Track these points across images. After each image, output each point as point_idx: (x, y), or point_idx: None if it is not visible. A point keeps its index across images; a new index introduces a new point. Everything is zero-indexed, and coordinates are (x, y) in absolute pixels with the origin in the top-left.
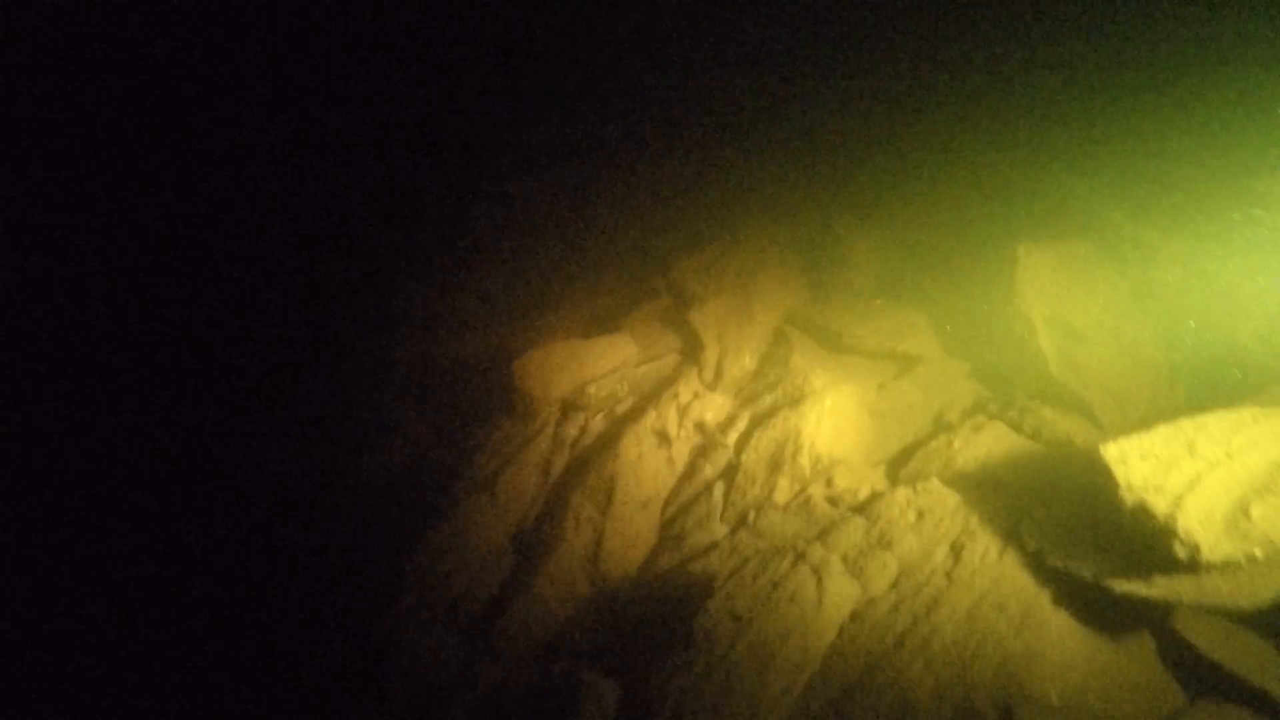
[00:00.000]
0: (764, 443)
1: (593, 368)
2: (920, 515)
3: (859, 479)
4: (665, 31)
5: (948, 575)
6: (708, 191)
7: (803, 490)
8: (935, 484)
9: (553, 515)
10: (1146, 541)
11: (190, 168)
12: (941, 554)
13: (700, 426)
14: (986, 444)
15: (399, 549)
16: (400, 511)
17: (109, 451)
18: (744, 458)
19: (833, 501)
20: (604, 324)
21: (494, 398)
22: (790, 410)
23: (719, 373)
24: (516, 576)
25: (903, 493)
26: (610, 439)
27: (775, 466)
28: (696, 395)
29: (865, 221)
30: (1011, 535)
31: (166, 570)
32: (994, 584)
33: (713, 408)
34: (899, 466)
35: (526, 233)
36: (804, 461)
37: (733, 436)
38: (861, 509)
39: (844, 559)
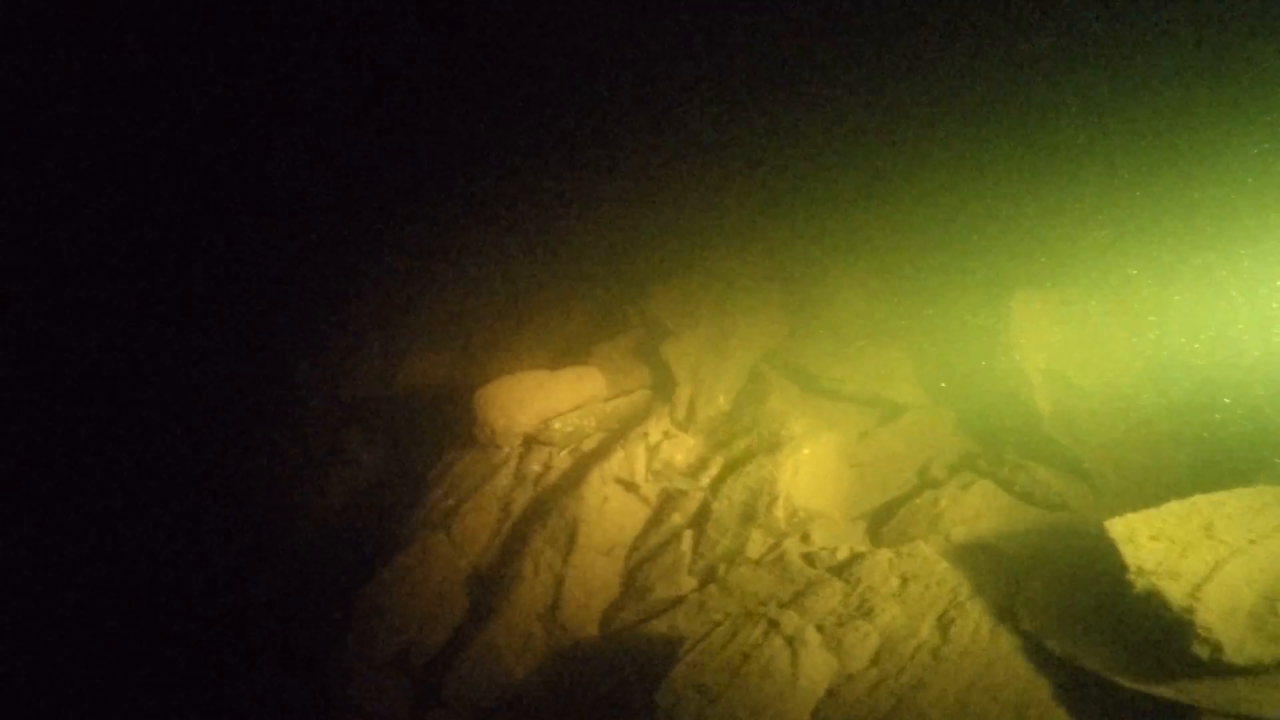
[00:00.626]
0: (737, 490)
1: (559, 401)
2: (904, 582)
3: (837, 536)
4: (646, 46)
5: (934, 653)
6: (686, 218)
7: (777, 545)
8: (921, 547)
9: (511, 558)
10: (1159, 633)
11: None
12: (928, 628)
13: (670, 469)
14: (975, 504)
15: (348, 586)
16: (352, 546)
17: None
18: (715, 505)
19: (809, 560)
20: (573, 353)
21: (455, 427)
22: (766, 457)
23: (691, 412)
24: (470, 622)
25: (885, 555)
26: (575, 479)
27: (748, 517)
28: (667, 435)
29: (851, 259)
30: (1005, 611)
31: (102, 605)
32: (986, 667)
33: (684, 449)
34: (881, 524)
35: (495, 245)
36: (779, 513)
37: (704, 481)
38: (840, 570)
39: (821, 628)
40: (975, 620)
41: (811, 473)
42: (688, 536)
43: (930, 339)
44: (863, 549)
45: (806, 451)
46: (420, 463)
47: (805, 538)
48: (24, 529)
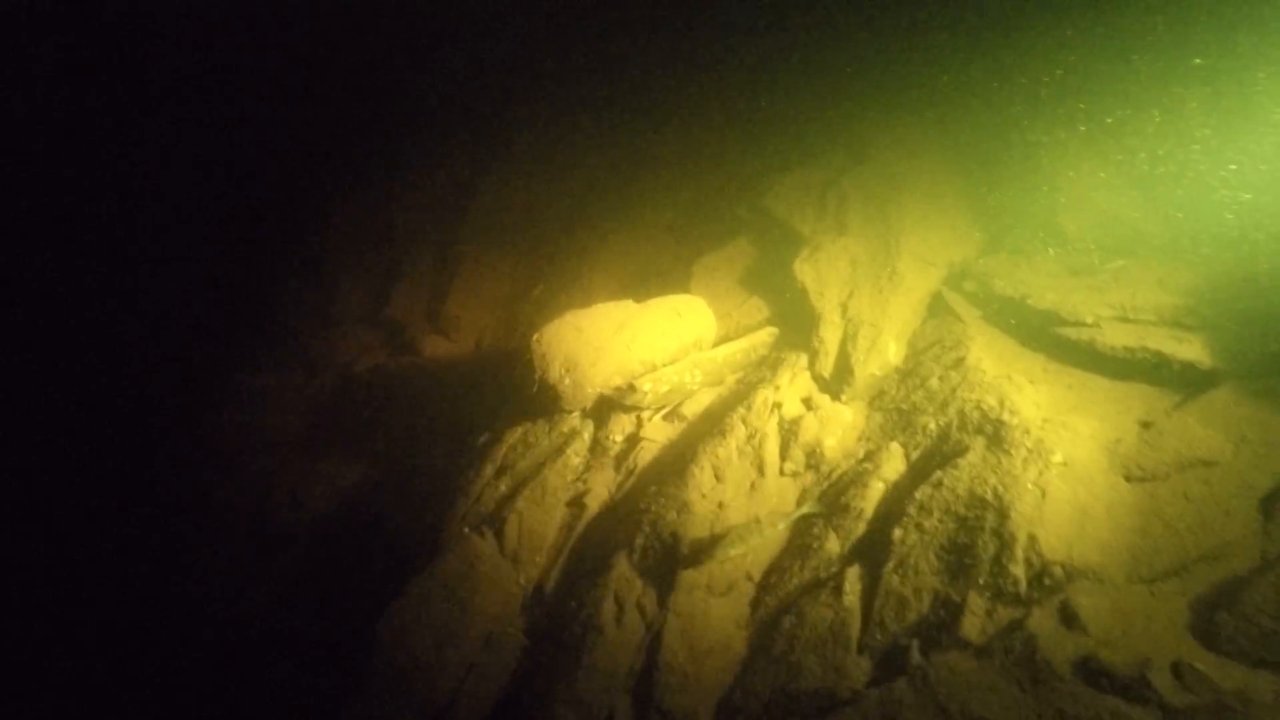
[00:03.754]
0: (937, 513)
1: (650, 346)
2: None
3: (1125, 620)
4: None
5: None
6: (822, 79)
7: (1018, 624)
8: None
9: (585, 586)
10: None
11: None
12: None
13: (816, 458)
14: None
15: (366, 612)
16: (369, 558)
17: None
18: (901, 535)
19: (1088, 669)
20: (662, 278)
21: (509, 381)
22: (984, 457)
23: (844, 366)
24: (529, 682)
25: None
26: (673, 467)
27: (961, 566)
28: (809, 403)
29: (1091, 119)
30: None
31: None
32: None
33: (836, 427)
34: (1210, 609)
35: (564, 126)
36: (1016, 565)
37: (875, 489)
38: (1150, 700)
39: None
40: None
41: (1068, 494)
42: (854, 582)
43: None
44: (1199, 664)
45: (1058, 459)
46: (451, 445)
47: (1066, 613)
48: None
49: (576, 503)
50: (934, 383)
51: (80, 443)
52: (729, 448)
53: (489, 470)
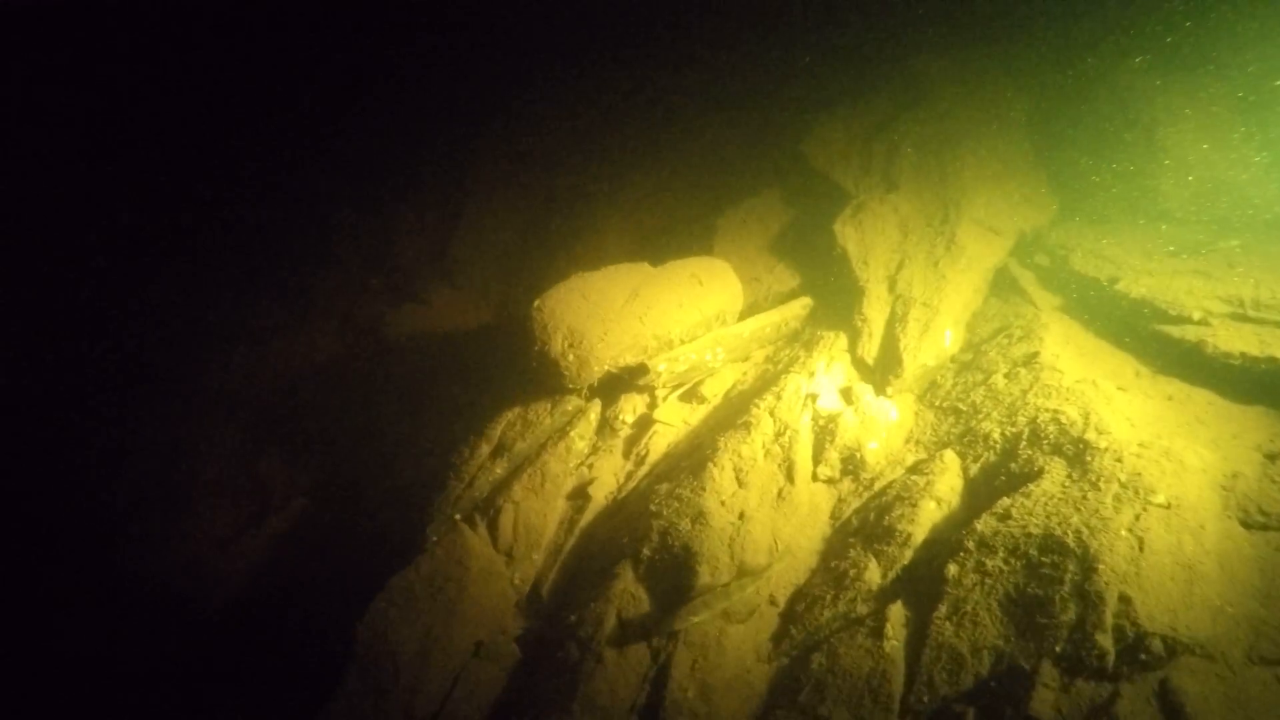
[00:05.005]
0: (1002, 551)
1: (663, 317)
2: None
3: (1243, 712)
4: None
5: None
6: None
7: (1106, 708)
8: None
9: (585, 593)
10: None
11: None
12: None
13: (855, 463)
14: None
15: (346, 612)
16: (358, 537)
17: None
18: (956, 574)
19: None
20: (682, 232)
21: (508, 350)
22: (1063, 486)
23: (892, 354)
24: (520, 705)
25: None
26: (688, 460)
27: (1031, 625)
28: (849, 396)
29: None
30: None
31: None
32: None
33: (880, 427)
34: None
35: (570, 57)
36: (1103, 635)
37: (926, 510)
38: None
39: None
40: None
41: (1171, 545)
42: (897, 624)
43: None
44: None
45: (1160, 499)
46: (470, 396)
47: (1167, 698)
48: None
49: (580, 493)
50: (999, 381)
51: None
52: (754, 445)
53: (484, 450)
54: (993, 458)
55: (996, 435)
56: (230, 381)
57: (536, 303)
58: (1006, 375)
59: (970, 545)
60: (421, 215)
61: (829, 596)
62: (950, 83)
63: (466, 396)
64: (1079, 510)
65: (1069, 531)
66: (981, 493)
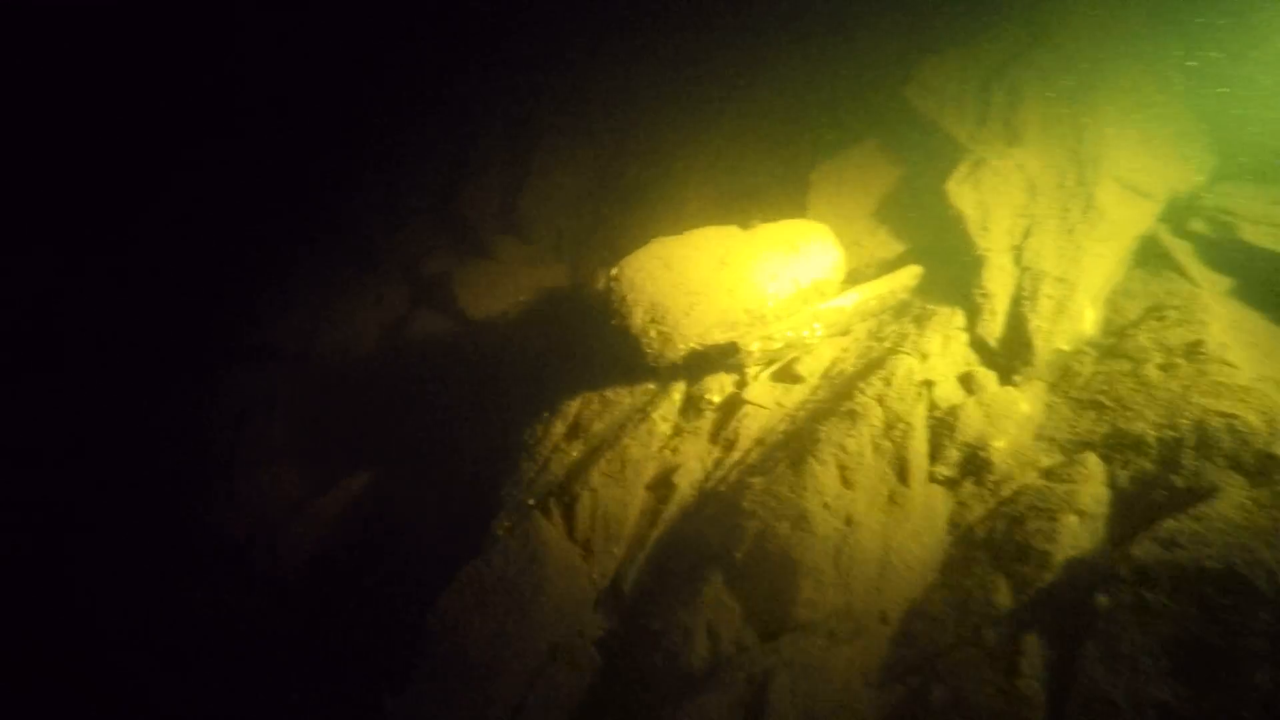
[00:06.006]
0: (1167, 585)
1: (755, 289)
2: None
3: None
4: None
5: None
6: None
7: None
8: None
9: (670, 597)
10: None
11: None
12: None
13: (978, 463)
14: None
15: (415, 588)
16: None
17: None
18: (1106, 605)
19: None
20: (772, 189)
21: (573, 334)
22: (1245, 511)
23: (1020, 336)
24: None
25: None
26: (784, 450)
27: (1212, 679)
28: (970, 384)
29: None
30: None
31: None
32: None
33: (1008, 422)
34: None
35: None
36: None
37: (1066, 524)
38: None
39: None
40: None
41: None
42: (1034, 659)
43: None
44: None
45: None
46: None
47: None
48: None
49: (663, 481)
50: (1152, 372)
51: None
52: (861, 439)
53: (559, 429)
54: (1148, 466)
55: (1151, 439)
56: (298, 343)
57: (614, 270)
58: (1162, 367)
59: (1125, 573)
60: (489, 163)
61: (950, 619)
62: (1084, 18)
63: (538, 363)
64: (1270, 546)
65: (1259, 571)
66: (1135, 508)
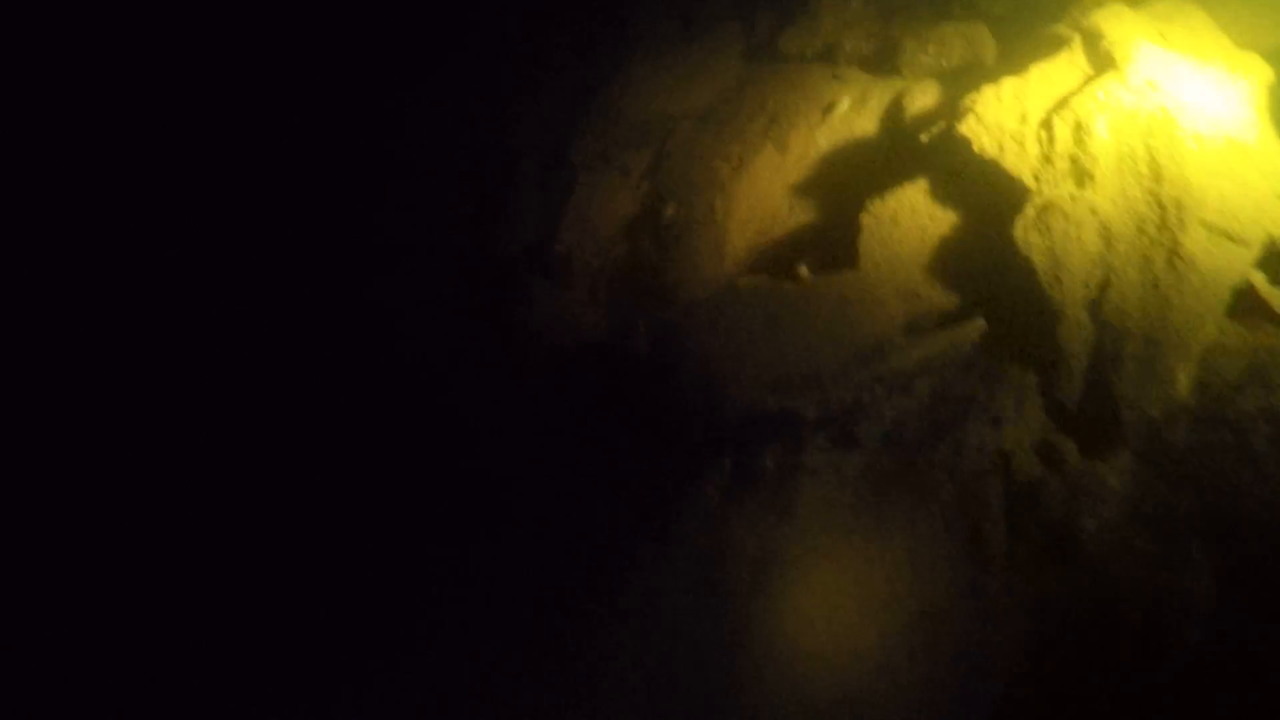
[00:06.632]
0: None
1: None
2: None
3: None
4: None
5: None
6: None
7: None
8: None
9: None
10: None
11: None
12: None
13: (1067, 546)
14: None
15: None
16: None
17: None
18: None
19: None
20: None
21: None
22: None
23: (1103, 399)
24: None
25: None
26: None
27: None
28: (1050, 455)
29: None
30: None
31: None
32: None
33: (1096, 502)
34: None
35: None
36: None
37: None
38: None
39: None
40: None
41: None
42: None
43: None
44: None
45: None
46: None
47: None
48: None
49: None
50: (1260, 444)
51: None
52: (934, 522)
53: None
54: (1264, 552)
55: (1263, 520)
56: None
57: None
58: (1271, 438)
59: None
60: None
61: None
62: (1154, 42)
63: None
64: None
65: None
66: (1259, 609)
